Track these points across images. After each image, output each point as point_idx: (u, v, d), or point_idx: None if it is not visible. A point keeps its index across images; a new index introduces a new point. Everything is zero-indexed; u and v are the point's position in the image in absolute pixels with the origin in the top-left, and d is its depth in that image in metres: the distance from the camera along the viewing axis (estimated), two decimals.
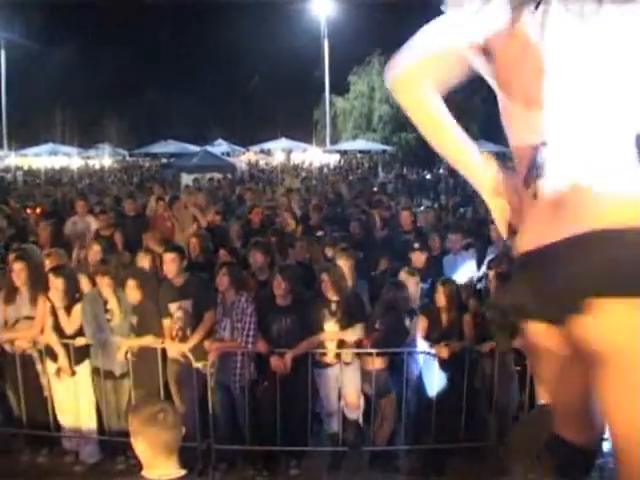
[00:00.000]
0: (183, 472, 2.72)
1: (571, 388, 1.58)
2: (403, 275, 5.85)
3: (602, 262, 1.44)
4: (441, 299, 5.43)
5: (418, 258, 6.62)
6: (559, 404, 1.68)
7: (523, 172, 1.59)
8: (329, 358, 5.38)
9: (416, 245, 6.74)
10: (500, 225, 1.69)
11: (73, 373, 5.44)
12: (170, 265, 5.55)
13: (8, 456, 5.53)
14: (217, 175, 19.51)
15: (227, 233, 8.16)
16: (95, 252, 6.43)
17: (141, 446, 2.71)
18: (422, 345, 5.44)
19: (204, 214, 9.27)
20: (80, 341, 5.44)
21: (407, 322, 5.50)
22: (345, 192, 13.97)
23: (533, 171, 1.54)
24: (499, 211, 1.67)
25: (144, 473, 2.70)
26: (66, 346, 5.43)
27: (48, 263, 5.93)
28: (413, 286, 5.73)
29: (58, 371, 5.45)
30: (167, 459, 2.69)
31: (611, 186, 1.48)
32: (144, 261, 6.09)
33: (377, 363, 5.36)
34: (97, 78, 39.49)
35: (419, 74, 1.61)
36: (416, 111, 1.64)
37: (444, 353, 5.23)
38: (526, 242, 1.57)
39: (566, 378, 1.58)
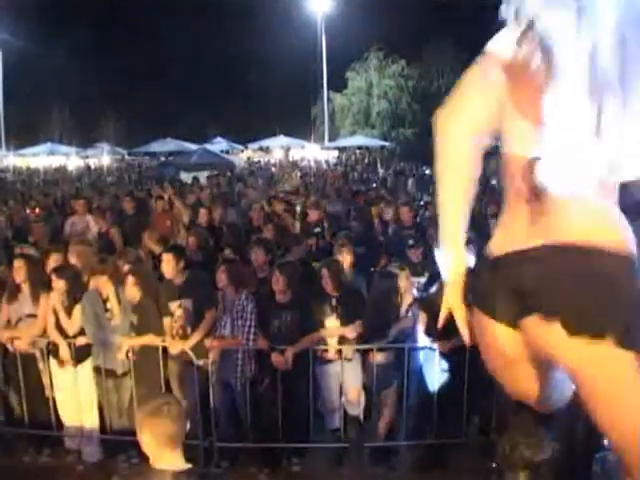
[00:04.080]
0: (188, 466, 2.72)
1: (523, 374, 1.91)
2: (393, 270, 5.88)
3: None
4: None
5: (415, 254, 6.60)
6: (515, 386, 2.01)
7: (514, 177, 1.73)
8: (330, 354, 5.38)
9: (410, 242, 6.73)
10: (460, 322, 1.93)
11: (76, 364, 5.44)
12: (168, 265, 5.53)
13: (10, 456, 5.54)
14: (211, 173, 19.40)
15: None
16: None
17: (146, 438, 2.72)
18: (423, 340, 5.44)
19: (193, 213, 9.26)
20: (81, 340, 5.44)
21: (403, 315, 5.50)
22: None
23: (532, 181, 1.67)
24: (459, 311, 1.91)
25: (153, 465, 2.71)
26: (67, 345, 5.43)
27: (51, 262, 5.92)
28: (404, 281, 5.73)
29: (61, 363, 5.45)
30: (172, 452, 2.71)
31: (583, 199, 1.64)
32: None
33: (378, 358, 5.36)
34: (95, 78, 39.42)
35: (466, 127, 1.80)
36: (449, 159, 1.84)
37: (445, 348, 5.24)
38: (497, 248, 1.80)
39: (519, 367, 1.89)
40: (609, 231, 1.64)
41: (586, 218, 1.64)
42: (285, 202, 9.90)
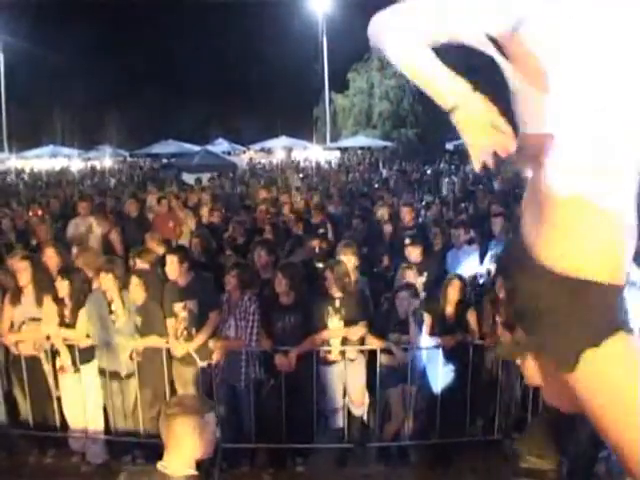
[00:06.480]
0: (193, 472, 2.71)
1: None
2: (402, 270, 5.89)
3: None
4: (451, 295, 5.44)
5: (412, 252, 6.55)
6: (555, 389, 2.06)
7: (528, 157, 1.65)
8: (333, 355, 5.39)
9: (407, 241, 6.71)
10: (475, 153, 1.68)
11: (76, 370, 5.44)
12: (172, 267, 5.54)
13: (15, 457, 5.54)
14: (208, 175, 19.28)
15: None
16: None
17: (164, 433, 2.73)
18: (427, 341, 5.44)
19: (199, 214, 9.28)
20: (85, 342, 5.44)
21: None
22: None
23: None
24: (476, 146, 1.67)
25: (158, 465, 2.71)
26: (71, 347, 5.43)
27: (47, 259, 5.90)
28: (412, 280, 5.76)
29: (60, 369, 5.45)
30: (166, 454, 2.69)
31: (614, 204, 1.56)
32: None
33: (382, 359, 5.37)
34: (97, 80, 39.46)
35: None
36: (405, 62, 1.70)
37: (449, 344, 5.25)
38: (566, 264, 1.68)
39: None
40: None
41: None
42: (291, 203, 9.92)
